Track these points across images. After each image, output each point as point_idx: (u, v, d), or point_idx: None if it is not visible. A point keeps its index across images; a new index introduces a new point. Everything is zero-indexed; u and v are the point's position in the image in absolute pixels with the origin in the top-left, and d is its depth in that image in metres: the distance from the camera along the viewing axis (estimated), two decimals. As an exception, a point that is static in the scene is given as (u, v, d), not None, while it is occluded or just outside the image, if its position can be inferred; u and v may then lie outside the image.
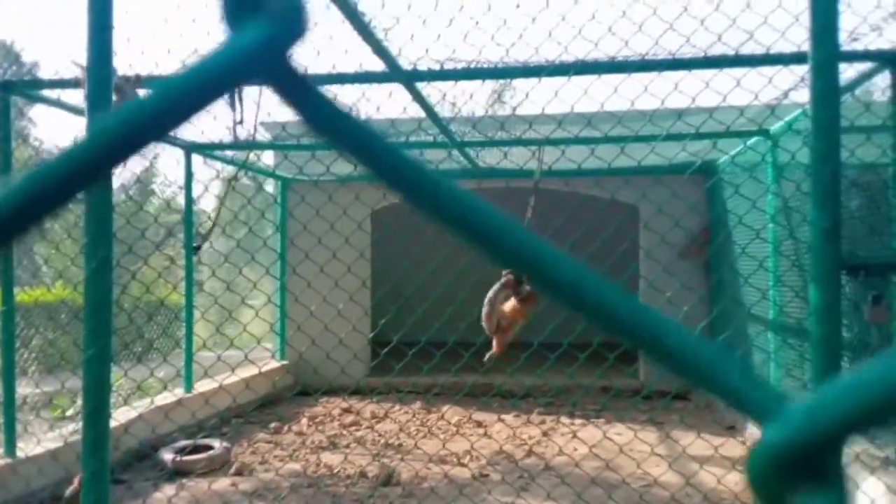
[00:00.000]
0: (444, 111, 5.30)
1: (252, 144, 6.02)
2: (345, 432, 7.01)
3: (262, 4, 0.27)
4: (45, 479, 5.01)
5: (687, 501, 4.44)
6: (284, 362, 9.02)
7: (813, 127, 2.17)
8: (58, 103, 4.72)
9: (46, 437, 5.34)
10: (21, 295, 9.28)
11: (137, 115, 0.33)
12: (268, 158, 8.41)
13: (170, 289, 8.49)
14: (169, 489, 5.30)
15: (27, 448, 5.06)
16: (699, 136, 5.32)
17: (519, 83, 4.45)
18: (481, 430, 6.80)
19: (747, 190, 5.73)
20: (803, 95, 4.64)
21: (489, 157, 6.02)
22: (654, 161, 4.97)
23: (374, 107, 4.79)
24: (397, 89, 4.69)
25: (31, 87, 4.75)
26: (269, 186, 9.65)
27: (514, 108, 4.52)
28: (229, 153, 7.22)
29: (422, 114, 5.14)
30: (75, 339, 10.43)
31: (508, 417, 7.19)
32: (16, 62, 23.70)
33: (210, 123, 5.44)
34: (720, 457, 4.33)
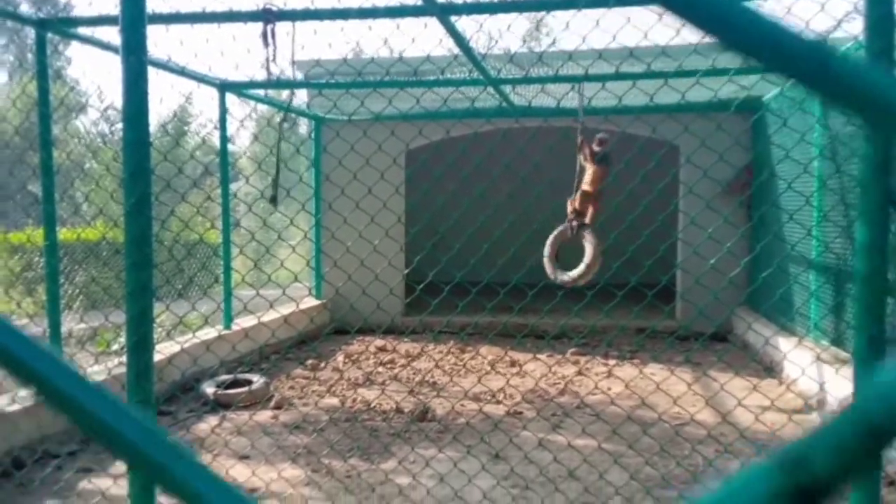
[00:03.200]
0: (479, 46, 5.16)
1: (286, 83, 5.95)
2: (380, 369, 7.12)
3: None
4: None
5: (723, 440, 4.43)
6: (321, 300, 9.13)
7: (867, 56, 2.07)
8: (93, 41, 4.70)
9: (92, 371, 5.50)
10: (64, 232, 9.47)
11: None
12: (301, 96, 8.34)
13: (208, 226, 8.58)
14: (211, 420, 5.45)
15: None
16: (746, 70, 5.11)
17: (558, 14, 4.27)
18: (515, 369, 6.85)
19: (794, 125, 5.53)
20: (856, 26, 4.41)
21: (527, 93, 5.86)
22: (696, 97, 4.80)
23: (408, 39, 4.65)
24: (432, 23, 4.56)
25: (66, 25, 4.72)
26: (303, 126, 9.61)
27: (554, 40, 4.37)
28: (263, 92, 7.17)
29: (457, 49, 5.00)
30: (118, 274, 10.68)
31: (543, 357, 7.22)
32: (51, 2, 23.68)
33: (245, 61, 5.39)
34: (758, 396, 4.30)
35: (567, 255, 5.76)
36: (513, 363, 7.17)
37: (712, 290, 4.83)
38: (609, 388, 5.72)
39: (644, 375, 4.82)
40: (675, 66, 4.60)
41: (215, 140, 8.63)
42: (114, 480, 3.97)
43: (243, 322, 7.46)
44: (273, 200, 4.59)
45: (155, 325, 2.66)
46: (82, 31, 4.74)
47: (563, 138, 6.47)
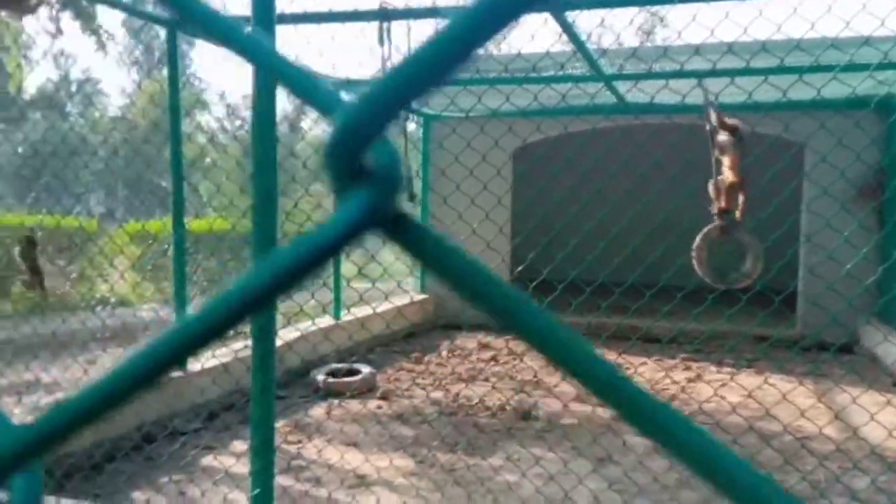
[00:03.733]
0: (599, 42, 5.07)
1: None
2: (484, 366, 7.13)
3: (362, 173, 0.29)
4: (219, 389, 5.46)
5: (851, 456, 4.17)
6: (425, 295, 9.25)
7: None
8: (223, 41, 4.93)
9: (219, 353, 5.78)
10: (192, 223, 9.99)
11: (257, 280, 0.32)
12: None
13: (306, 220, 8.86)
14: (322, 407, 5.63)
15: (202, 361, 5.51)
16: (888, 65, 4.78)
17: (683, 6, 4.13)
18: (626, 372, 6.69)
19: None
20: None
21: (649, 89, 5.69)
22: (828, 93, 4.53)
23: (528, 36, 4.62)
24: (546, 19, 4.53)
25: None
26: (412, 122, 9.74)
27: (680, 33, 4.23)
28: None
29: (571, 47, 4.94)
30: (235, 261, 11.20)
31: (650, 362, 7.03)
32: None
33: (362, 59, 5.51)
34: (891, 412, 4.02)
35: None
36: (623, 366, 7.02)
37: (846, 298, 4.54)
38: (723, 398, 5.50)
39: (765, 385, 4.60)
40: (809, 60, 4.35)
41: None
42: (236, 458, 4.16)
43: (349, 316, 7.65)
44: (412, 197, 4.69)
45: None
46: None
47: (687, 135, 6.26)
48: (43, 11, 6.09)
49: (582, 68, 5.37)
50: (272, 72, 0.41)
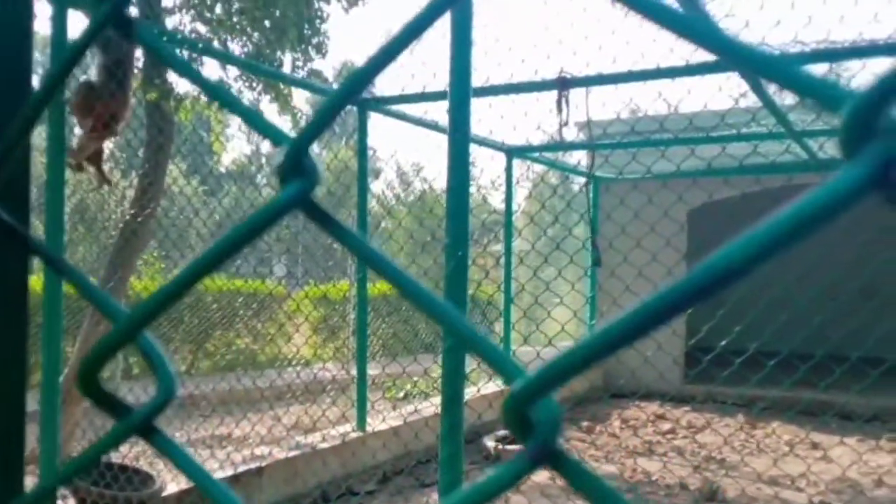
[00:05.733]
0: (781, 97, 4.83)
1: (575, 145, 6.08)
2: (661, 439, 6.78)
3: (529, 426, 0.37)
4: (389, 452, 5.60)
5: None
6: (594, 361, 9.01)
7: None
8: (408, 118, 5.23)
9: (389, 416, 5.94)
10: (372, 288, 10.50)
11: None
12: (576, 156, 8.46)
13: (481, 279, 8.94)
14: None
15: (374, 423, 5.69)
16: None
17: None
18: (818, 453, 6.10)
19: None
20: None
21: (832, 147, 5.34)
22: None
23: (701, 101, 4.52)
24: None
25: (381, 104, 5.31)
26: (575, 184, 9.72)
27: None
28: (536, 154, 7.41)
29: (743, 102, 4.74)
30: (406, 322, 11.57)
31: (851, 441, 6.35)
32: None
33: (529, 127, 5.61)
34: None
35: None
36: (814, 445, 6.40)
37: None
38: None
39: None
40: None
41: (491, 200, 9.06)
42: (412, 525, 4.21)
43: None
44: (597, 262, 4.69)
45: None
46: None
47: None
48: (248, 94, 6.78)
49: (768, 125, 5.14)
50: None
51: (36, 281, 6.14)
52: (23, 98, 0.55)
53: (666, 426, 7.19)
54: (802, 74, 0.31)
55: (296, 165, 0.44)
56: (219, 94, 0.51)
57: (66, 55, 0.53)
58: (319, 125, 0.44)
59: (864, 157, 0.29)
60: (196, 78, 0.51)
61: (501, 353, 0.43)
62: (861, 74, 4.36)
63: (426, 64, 4.60)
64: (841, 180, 0.29)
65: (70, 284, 0.56)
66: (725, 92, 5.63)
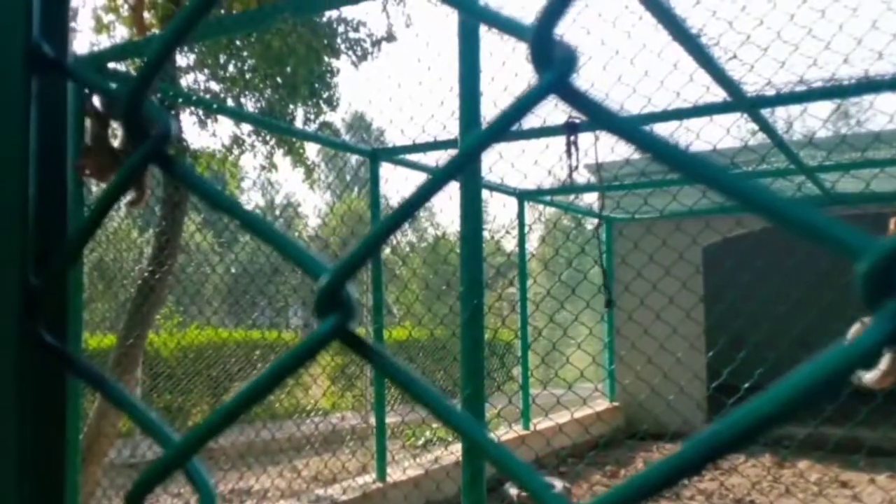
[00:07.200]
0: (788, 134, 4.87)
1: (585, 187, 6.13)
2: (687, 482, 6.64)
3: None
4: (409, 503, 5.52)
5: None
6: (615, 403, 8.91)
7: None
8: (419, 166, 5.31)
9: (407, 465, 5.88)
10: (390, 333, 10.48)
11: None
12: (587, 198, 8.49)
13: (497, 326, 8.90)
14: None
15: (394, 474, 5.63)
16: None
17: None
18: (848, 492, 5.96)
19: None
20: None
21: (845, 182, 5.35)
22: None
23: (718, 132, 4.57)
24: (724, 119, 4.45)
25: (393, 153, 5.39)
26: (588, 224, 9.73)
27: (893, 118, 3.97)
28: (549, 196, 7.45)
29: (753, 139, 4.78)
30: (423, 371, 11.50)
31: (881, 478, 6.21)
32: (366, 130, 27.43)
33: (538, 172, 5.66)
34: None
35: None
36: (843, 484, 6.25)
37: None
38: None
39: None
40: None
41: (504, 243, 9.07)
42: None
43: (541, 424, 7.52)
44: (609, 304, 4.69)
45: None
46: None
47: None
48: (261, 148, 6.90)
49: (778, 161, 5.16)
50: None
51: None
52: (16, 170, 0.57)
53: (691, 469, 7.05)
54: (821, 222, 0.31)
55: (333, 299, 0.45)
56: (252, 223, 0.51)
57: (103, 198, 0.55)
58: (356, 260, 0.45)
59: (885, 314, 0.29)
60: (231, 209, 0.52)
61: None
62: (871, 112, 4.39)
63: (434, 117, 4.67)
64: (864, 341, 0.29)
65: (118, 408, 0.58)
66: (734, 134, 5.68)
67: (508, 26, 0.48)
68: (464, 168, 0.44)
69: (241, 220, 0.51)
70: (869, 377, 4.52)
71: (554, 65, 0.40)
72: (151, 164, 0.52)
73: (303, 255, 0.48)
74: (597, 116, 0.40)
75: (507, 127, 0.43)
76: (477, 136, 0.43)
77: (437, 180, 0.43)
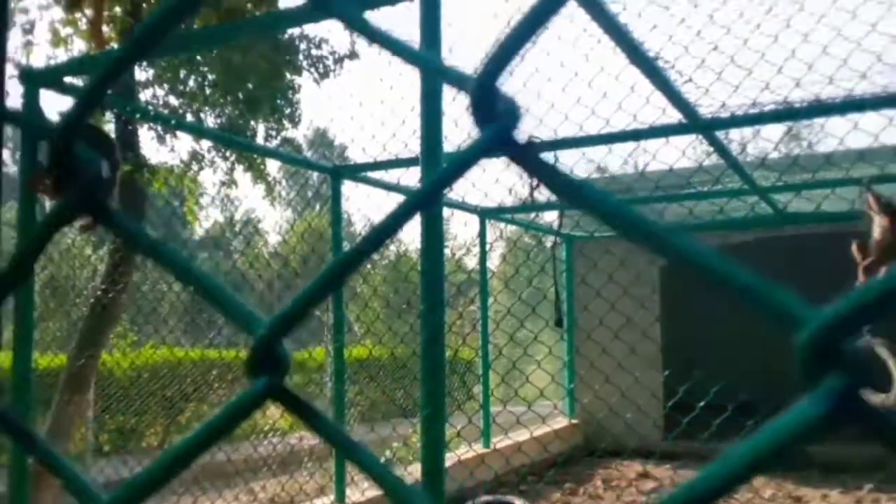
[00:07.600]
0: (742, 155, 5.00)
1: (545, 205, 6.19)
2: (644, 498, 6.69)
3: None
4: (369, 525, 5.45)
5: None
6: (574, 421, 8.95)
7: None
8: (380, 184, 5.30)
9: (369, 486, 5.80)
10: (350, 351, 10.37)
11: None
12: (546, 216, 8.57)
13: (458, 345, 8.89)
14: (477, 544, 5.45)
15: (353, 496, 5.56)
16: None
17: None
18: (801, 508, 6.07)
19: None
20: None
21: (798, 203, 5.50)
22: None
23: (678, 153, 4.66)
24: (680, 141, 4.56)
25: (355, 171, 5.38)
26: (548, 242, 9.81)
27: (841, 140, 4.09)
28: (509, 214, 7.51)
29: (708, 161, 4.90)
30: (383, 389, 11.42)
31: (834, 494, 6.34)
32: (329, 147, 27.35)
33: (499, 190, 5.71)
34: None
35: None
36: (797, 500, 6.37)
37: None
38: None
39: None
40: None
41: (466, 261, 9.11)
42: None
43: (501, 442, 7.52)
44: (559, 323, 4.72)
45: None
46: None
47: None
48: (221, 164, 6.82)
49: (733, 182, 5.28)
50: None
51: (4, 358, 5.98)
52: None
53: (648, 485, 7.12)
54: (761, 287, 0.31)
55: (266, 358, 0.43)
56: (186, 275, 0.48)
57: (35, 234, 0.52)
58: (294, 314, 0.43)
59: (821, 393, 0.28)
60: (169, 260, 0.49)
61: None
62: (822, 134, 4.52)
63: (396, 135, 4.68)
64: (798, 415, 0.29)
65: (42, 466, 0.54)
66: (689, 155, 5.81)
67: (451, 78, 0.46)
68: (401, 225, 0.42)
69: (175, 271, 0.49)
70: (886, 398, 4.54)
71: (496, 119, 0.38)
72: (80, 213, 0.49)
73: (238, 309, 0.47)
74: (541, 175, 0.40)
75: (447, 184, 0.43)
76: (416, 194, 0.43)
77: (368, 241, 0.42)
